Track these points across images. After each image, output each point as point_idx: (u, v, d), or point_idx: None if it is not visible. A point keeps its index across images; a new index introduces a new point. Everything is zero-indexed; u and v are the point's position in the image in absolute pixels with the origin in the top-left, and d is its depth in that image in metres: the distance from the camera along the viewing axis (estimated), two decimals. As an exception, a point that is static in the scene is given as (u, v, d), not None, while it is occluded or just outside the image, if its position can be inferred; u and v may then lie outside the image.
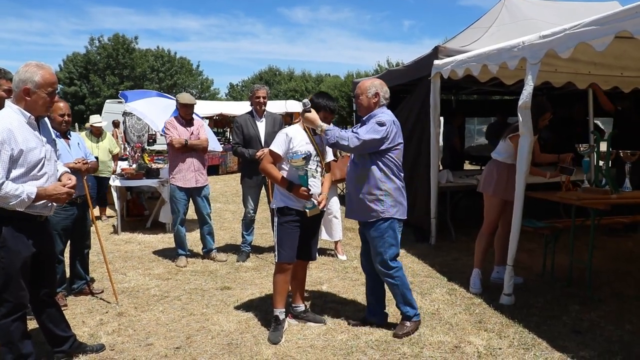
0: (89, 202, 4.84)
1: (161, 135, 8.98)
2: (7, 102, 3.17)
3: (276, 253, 4.06)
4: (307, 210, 3.88)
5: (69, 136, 4.74)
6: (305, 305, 4.33)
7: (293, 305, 4.31)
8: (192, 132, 6.06)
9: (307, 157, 3.77)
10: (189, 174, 5.98)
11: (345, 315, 4.36)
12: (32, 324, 3.57)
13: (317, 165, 4.00)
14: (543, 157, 5.36)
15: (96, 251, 5.59)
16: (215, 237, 6.38)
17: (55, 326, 3.52)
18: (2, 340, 3.19)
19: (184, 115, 6.08)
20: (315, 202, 3.92)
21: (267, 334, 3.97)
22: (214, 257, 6.16)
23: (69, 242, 4.81)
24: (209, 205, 6.25)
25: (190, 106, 6.10)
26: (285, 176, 3.94)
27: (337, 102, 4.09)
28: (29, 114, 3.10)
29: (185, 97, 6.15)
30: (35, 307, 3.47)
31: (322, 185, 4.10)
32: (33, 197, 3.04)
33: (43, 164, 3.14)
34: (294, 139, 3.94)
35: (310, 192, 3.86)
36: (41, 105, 3.13)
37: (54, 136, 3.45)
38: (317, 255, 4.37)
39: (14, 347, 3.16)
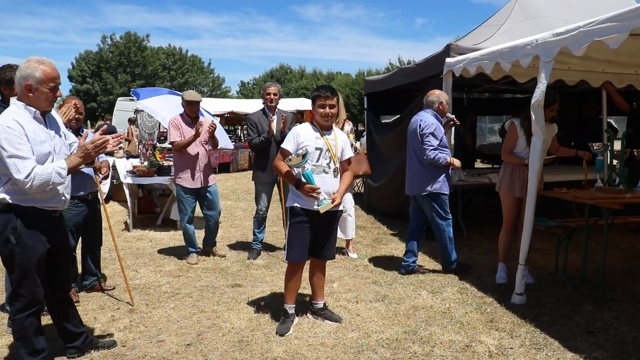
0: (102, 198, 4.87)
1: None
2: (12, 100, 3.19)
3: (285, 252, 4.12)
4: (319, 207, 3.87)
5: (81, 133, 4.77)
6: (324, 303, 4.34)
7: (312, 302, 4.33)
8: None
9: (305, 154, 3.78)
10: (195, 174, 5.90)
11: (357, 313, 4.36)
12: (45, 320, 3.59)
13: (330, 161, 4.00)
14: (562, 151, 5.42)
15: (108, 248, 5.63)
16: (226, 234, 6.41)
17: (69, 322, 3.55)
18: (16, 335, 3.23)
19: (190, 112, 5.98)
20: (328, 198, 3.92)
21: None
22: (214, 251, 6.25)
23: (80, 238, 4.84)
24: (218, 202, 6.20)
25: (196, 103, 6.00)
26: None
27: (337, 93, 4.09)
28: (34, 109, 3.11)
29: (191, 94, 6.10)
30: (49, 303, 3.50)
31: (340, 182, 4.08)
32: (64, 166, 3.07)
33: (52, 158, 3.15)
34: (302, 135, 3.97)
35: (318, 189, 3.84)
36: (44, 100, 3.13)
37: (63, 129, 3.45)
38: (334, 254, 4.36)
39: (28, 342, 3.19)
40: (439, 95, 5.43)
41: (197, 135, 5.77)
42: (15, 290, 3.17)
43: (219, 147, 6.59)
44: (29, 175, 2.93)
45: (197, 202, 6.13)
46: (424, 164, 5.29)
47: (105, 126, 4.15)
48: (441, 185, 5.30)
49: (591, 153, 5.24)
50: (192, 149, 5.89)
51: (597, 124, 8.37)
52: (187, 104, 5.99)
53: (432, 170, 5.28)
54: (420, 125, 5.28)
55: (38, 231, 3.15)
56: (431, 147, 5.19)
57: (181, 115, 6.05)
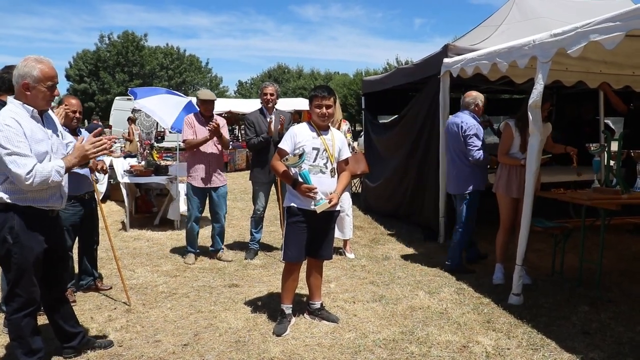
0: (98, 198, 4.86)
1: (170, 132, 9.01)
2: (9, 98, 3.17)
3: (282, 252, 4.13)
4: (315, 207, 3.86)
5: (78, 133, 4.76)
6: (322, 303, 4.34)
7: (310, 302, 4.33)
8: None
9: (301, 154, 3.78)
10: (205, 174, 5.88)
11: (354, 314, 4.36)
12: (41, 320, 3.58)
13: (327, 162, 4.00)
14: (556, 148, 5.45)
15: (105, 247, 5.62)
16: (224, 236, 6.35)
17: (65, 322, 3.54)
18: (12, 335, 3.22)
19: (205, 111, 5.95)
20: (325, 198, 3.91)
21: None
22: (220, 256, 6.13)
23: (77, 238, 4.83)
24: (225, 205, 6.18)
25: (211, 102, 5.97)
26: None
27: (334, 93, 4.11)
28: (31, 108, 3.10)
29: (205, 93, 6.06)
30: (45, 303, 3.49)
31: (337, 182, 4.07)
32: (62, 165, 3.07)
33: (50, 157, 3.14)
34: (299, 135, 3.97)
35: (315, 189, 3.84)
36: (41, 99, 3.12)
37: (60, 129, 3.44)
38: (332, 254, 4.34)
39: (24, 342, 3.18)
40: (476, 97, 5.58)
41: (212, 136, 5.75)
42: (11, 290, 3.16)
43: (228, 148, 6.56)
44: (30, 171, 2.92)
45: (209, 202, 6.11)
46: (467, 164, 5.46)
47: (99, 128, 4.11)
48: (480, 184, 5.53)
49: (584, 152, 5.27)
50: (204, 149, 5.87)
51: (594, 126, 8.39)
52: (202, 102, 5.96)
53: (474, 169, 5.45)
54: (462, 127, 5.44)
55: (35, 231, 3.14)
56: (476, 148, 5.37)
57: (195, 114, 6.05)
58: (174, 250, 6.52)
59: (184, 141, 5.97)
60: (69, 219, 4.51)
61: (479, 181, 5.49)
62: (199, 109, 6.09)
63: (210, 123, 5.73)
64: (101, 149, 3.18)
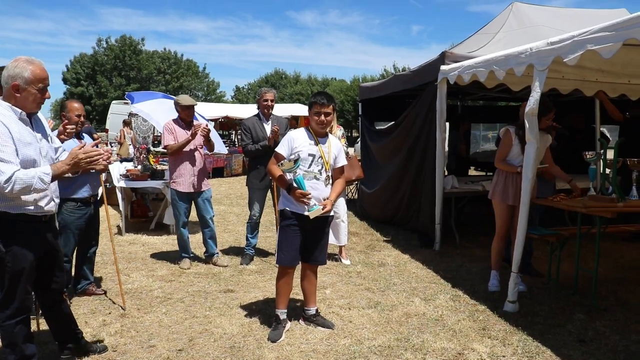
0: (105, 200, 4.83)
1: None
2: None
3: (276, 256, 4.13)
4: (309, 213, 3.87)
5: (82, 137, 4.74)
6: (317, 309, 4.33)
7: (305, 308, 4.32)
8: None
9: (297, 160, 3.80)
10: (190, 178, 5.86)
11: (349, 320, 4.35)
12: (34, 325, 3.56)
13: (322, 168, 4.00)
14: (556, 170, 5.32)
15: (100, 252, 5.59)
16: (218, 239, 6.33)
17: (63, 322, 3.51)
18: (5, 342, 3.18)
19: (186, 117, 5.96)
20: (318, 204, 3.91)
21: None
22: (215, 261, 6.10)
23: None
24: (212, 208, 6.15)
25: (191, 107, 5.98)
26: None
27: (333, 100, 4.11)
28: (20, 111, 3.02)
29: (186, 99, 6.04)
30: (44, 305, 3.47)
31: (332, 188, 4.08)
32: (48, 172, 2.97)
33: (39, 160, 3.07)
34: (296, 140, 3.98)
35: (309, 195, 3.85)
36: (31, 101, 3.05)
37: (49, 132, 3.38)
38: (325, 259, 4.34)
39: (17, 349, 3.14)
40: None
41: (193, 137, 5.73)
42: (5, 298, 3.11)
43: (213, 152, 6.54)
44: (9, 179, 2.81)
45: (195, 207, 6.08)
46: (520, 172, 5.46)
47: (99, 139, 4.10)
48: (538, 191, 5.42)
49: (579, 160, 5.27)
50: (186, 153, 5.85)
51: (588, 133, 8.41)
52: (182, 108, 5.95)
53: None
54: None
55: (28, 238, 3.09)
56: None
57: (175, 120, 6.01)
58: (170, 255, 6.49)
59: (165, 147, 5.95)
60: (75, 223, 4.49)
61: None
62: (178, 115, 6.04)
63: (194, 127, 5.74)
64: (95, 158, 3.11)
